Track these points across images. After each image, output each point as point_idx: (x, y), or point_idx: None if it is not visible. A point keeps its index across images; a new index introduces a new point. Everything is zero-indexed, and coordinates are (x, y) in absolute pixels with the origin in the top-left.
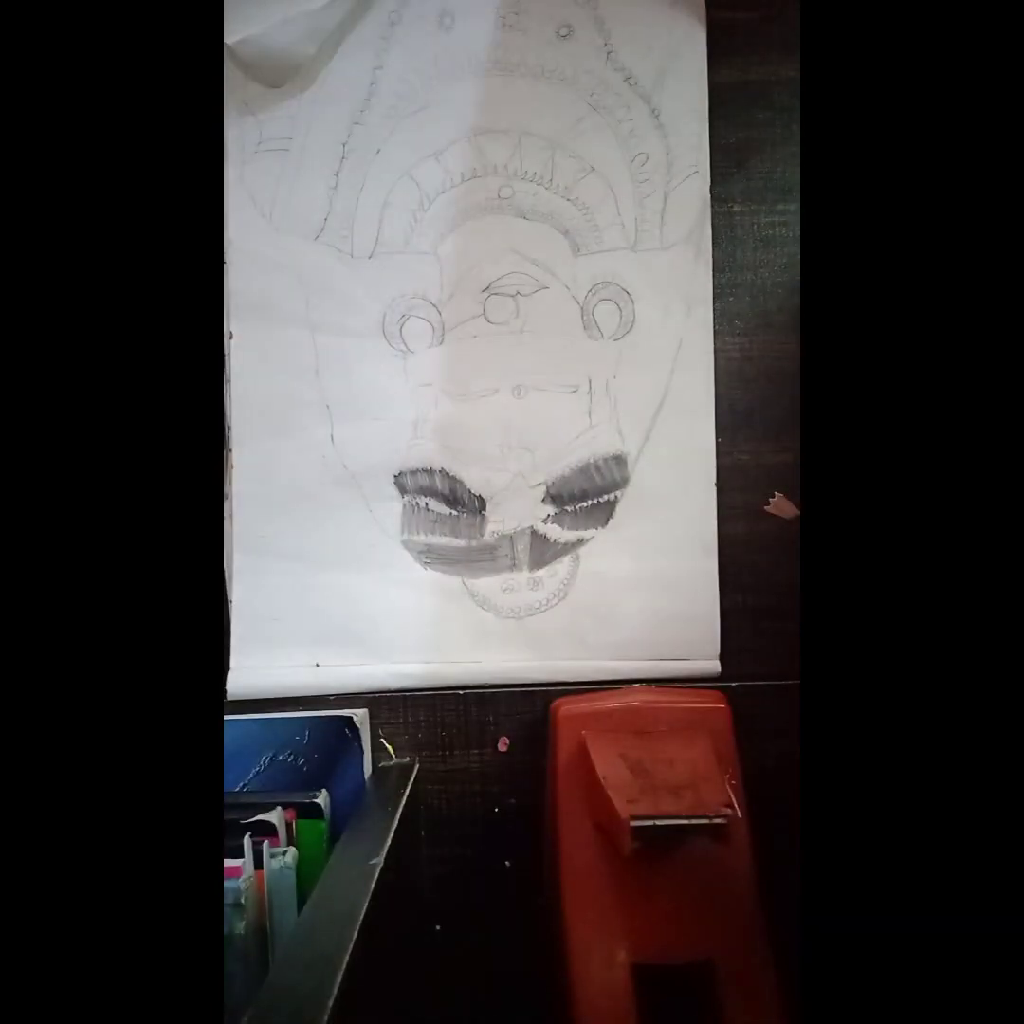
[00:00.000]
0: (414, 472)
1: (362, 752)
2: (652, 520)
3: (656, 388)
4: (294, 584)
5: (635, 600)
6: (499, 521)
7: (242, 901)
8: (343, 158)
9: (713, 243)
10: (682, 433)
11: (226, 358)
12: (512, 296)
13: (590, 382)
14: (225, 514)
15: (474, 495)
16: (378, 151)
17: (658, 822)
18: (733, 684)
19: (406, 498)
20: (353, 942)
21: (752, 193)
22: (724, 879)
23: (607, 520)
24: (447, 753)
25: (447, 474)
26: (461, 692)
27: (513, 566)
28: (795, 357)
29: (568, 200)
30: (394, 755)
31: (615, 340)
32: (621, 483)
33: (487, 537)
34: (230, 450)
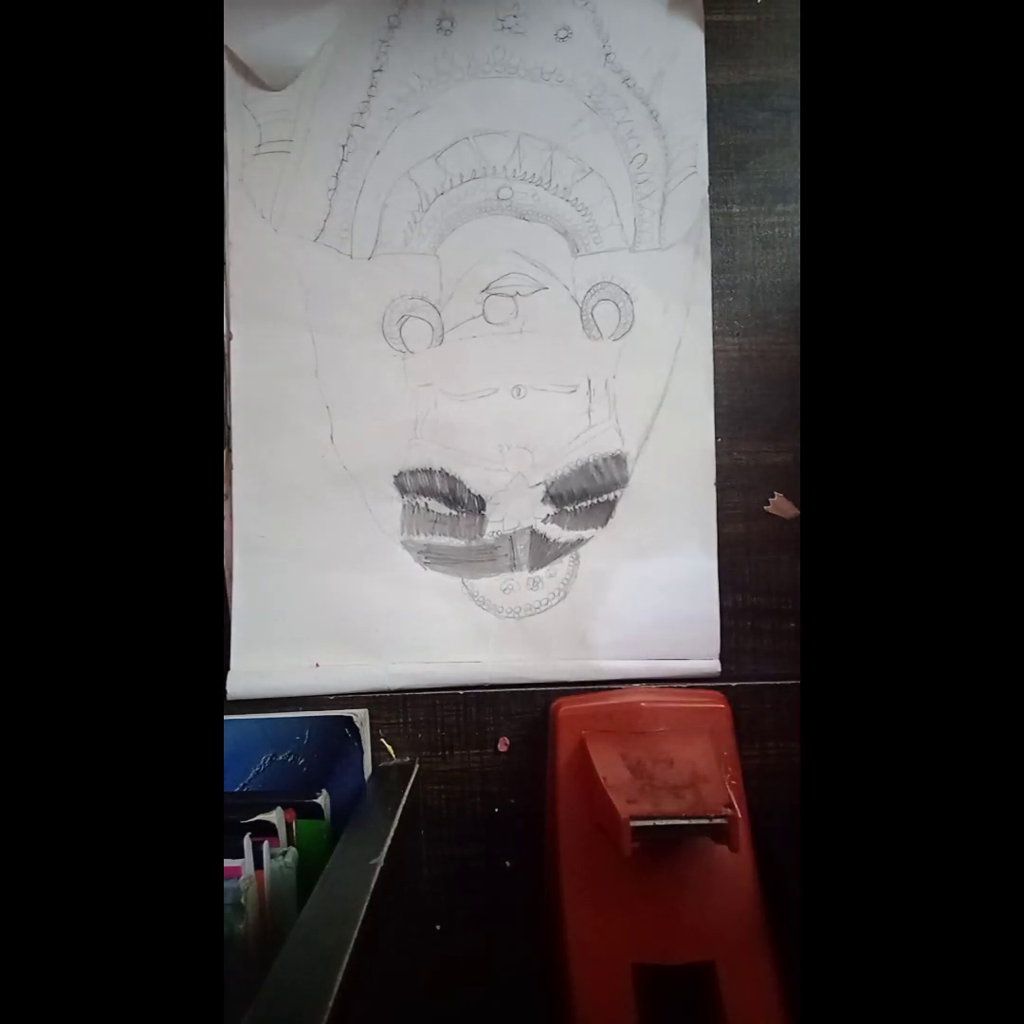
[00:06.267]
0: (414, 472)
1: (362, 752)
2: (652, 520)
3: (655, 388)
4: (294, 584)
5: (635, 600)
6: (499, 521)
7: (242, 901)
8: (343, 160)
9: (712, 244)
10: (681, 432)
11: (225, 359)
12: (511, 296)
13: (589, 382)
14: (225, 514)
15: (474, 495)
16: (377, 153)
17: (658, 822)
18: (733, 684)
19: (406, 498)
20: (353, 942)
21: (751, 194)
22: (724, 879)
23: (607, 520)
24: (447, 753)
25: (447, 474)
26: (461, 692)
27: (513, 566)
28: (795, 357)
29: (567, 201)
30: (394, 755)
31: (614, 340)
32: (621, 483)
33: (487, 537)
34: (230, 450)
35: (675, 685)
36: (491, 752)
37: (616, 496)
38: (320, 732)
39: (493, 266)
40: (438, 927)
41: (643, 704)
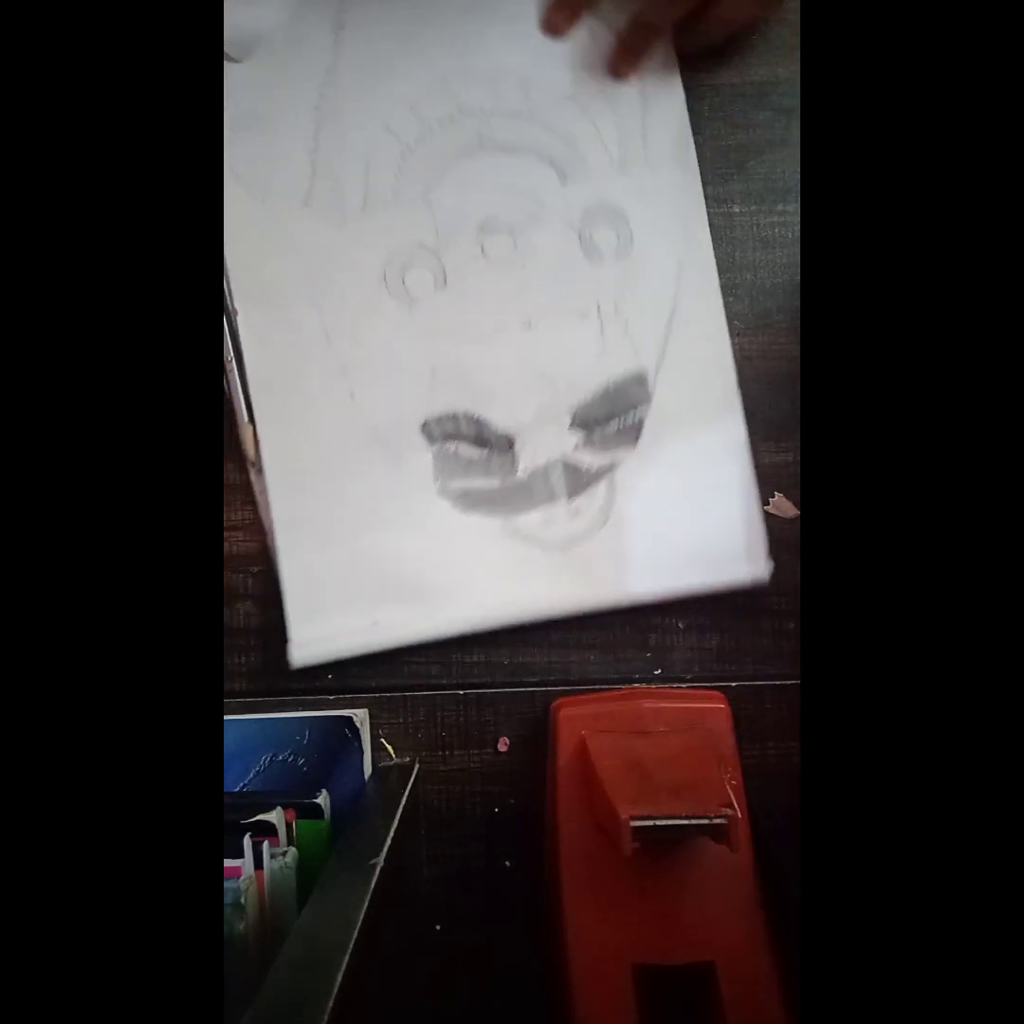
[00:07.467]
0: (438, 420)
1: (362, 752)
2: (680, 433)
3: (664, 303)
4: (339, 550)
5: (675, 514)
6: (530, 456)
7: (242, 901)
8: (319, 123)
9: (712, 244)
10: (697, 343)
11: (235, 337)
12: (508, 232)
13: (598, 306)
14: (258, 492)
15: (501, 434)
16: (352, 110)
17: (658, 822)
18: (733, 684)
19: (435, 447)
20: (353, 942)
21: (751, 194)
22: (724, 879)
23: (636, 439)
24: (447, 753)
25: (471, 417)
26: (461, 692)
27: (550, 498)
28: (795, 357)
29: (549, 131)
30: (394, 755)
31: (616, 261)
32: (644, 401)
33: (520, 474)
34: (255, 429)
35: (674, 687)
36: (491, 752)
37: (642, 415)
38: (320, 732)
39: (485, 204)
40: (438, 927)
41: (643, 704)
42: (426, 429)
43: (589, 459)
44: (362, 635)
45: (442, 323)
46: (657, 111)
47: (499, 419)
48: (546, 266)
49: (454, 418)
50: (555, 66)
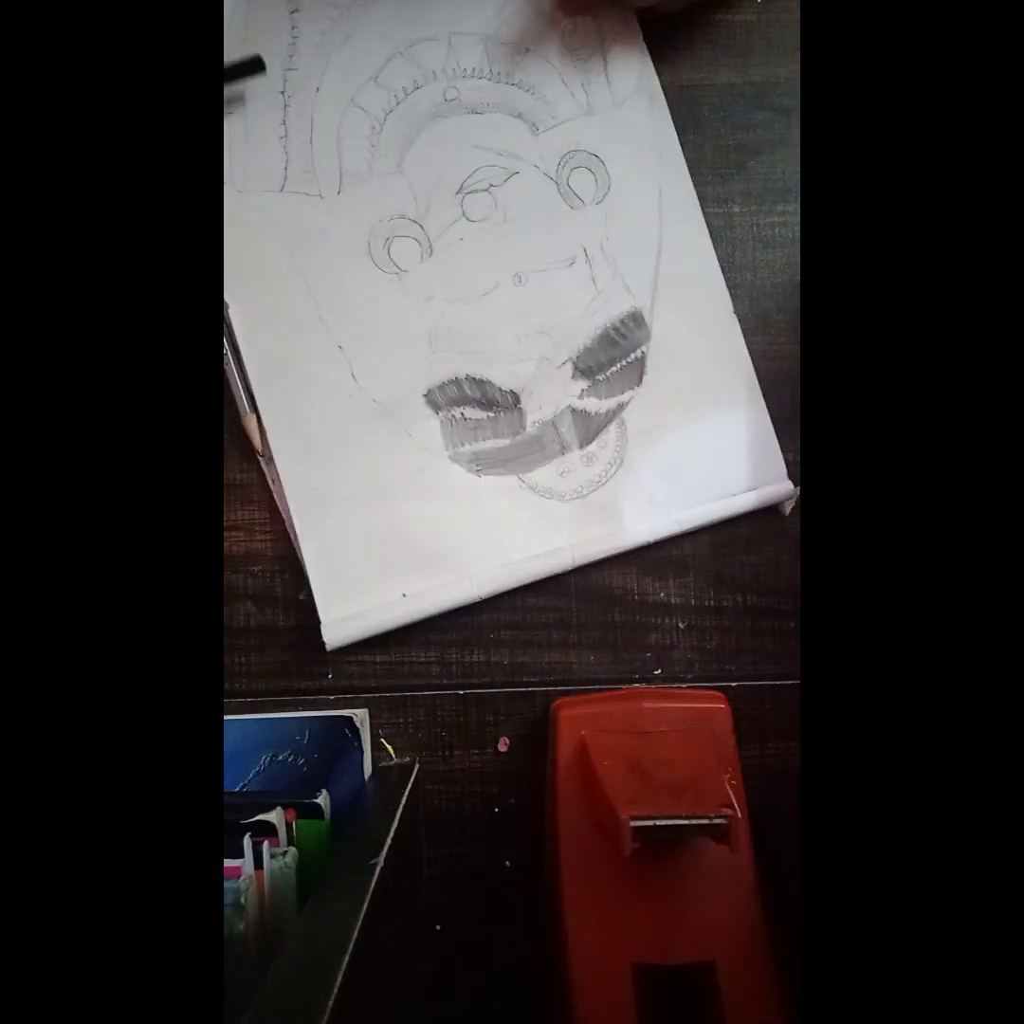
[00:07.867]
0: (441, 386)
1: (362, 752)
2: (684, 365)
3: (650, 238)
4: (358, 527)
5: (690, 446)
6: (537, 410)
7: (242, 901)
8: (285, 106)
9: (712, 243)
10: (688, 274)
11: (229, 329)
12: (486, 190)
13: (585, 251)
14: (271, 480)
15: (505, 392)
16: (317, 90)
17: (658, 822)
18: (733, 684)
19: (441, 413)
20: (353, 942)
21: (751, 194)
22: (724, 879)
23: (640, 378)
24: (447, 753)
25: (473, 379)
26: (461, 692)
27: (563, 449)
28: (795, 357)
29: (512, 85)
30: (394, 755)
31: (597, 204)
32: (643, 339)
33: (530, 429)
34: (259, 416)
35: (678, 691)
36: (491, 752)
37: (642, 352)
38: (320, 732)
39: (460, 166)
40: (438, 927)
41: (643, 704)
42: (430, 397)
43: (596, 404)
44: (392, 609)
45: (433, 290)
46: (617, 48)
47: (501, 378)
48: (529, 219)
49: (456, 383)
50: (511, 21)
